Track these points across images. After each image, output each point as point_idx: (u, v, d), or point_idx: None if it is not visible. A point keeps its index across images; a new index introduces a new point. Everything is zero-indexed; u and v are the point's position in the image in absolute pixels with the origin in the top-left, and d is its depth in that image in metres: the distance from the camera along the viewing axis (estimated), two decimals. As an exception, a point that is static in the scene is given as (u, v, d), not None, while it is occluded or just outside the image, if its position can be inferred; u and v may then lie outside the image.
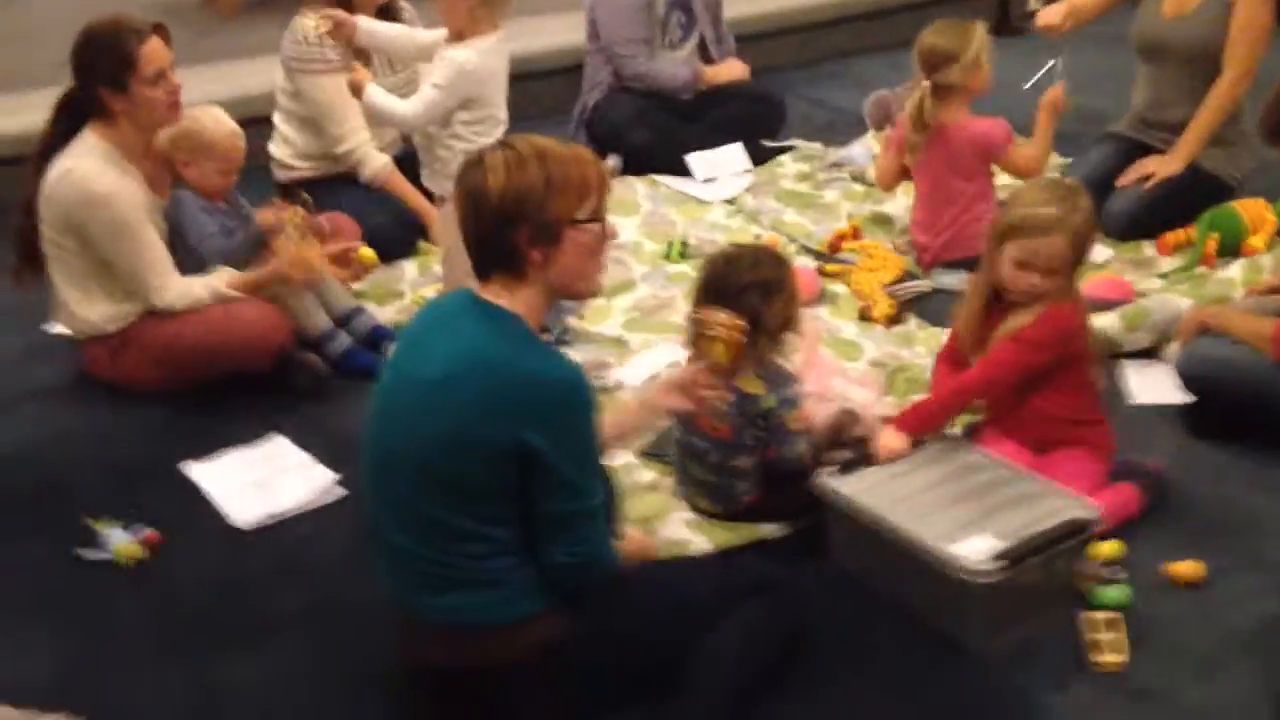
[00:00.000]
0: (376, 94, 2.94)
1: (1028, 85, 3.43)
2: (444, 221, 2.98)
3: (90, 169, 2.83)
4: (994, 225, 2.44)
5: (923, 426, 2.40)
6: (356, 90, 2.97)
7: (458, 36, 2.89)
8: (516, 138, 1.93)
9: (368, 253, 3.32)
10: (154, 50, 2.85)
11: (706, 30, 4.43)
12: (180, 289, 2.93)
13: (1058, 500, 2.21)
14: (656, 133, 4.19)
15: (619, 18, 4.24)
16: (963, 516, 2.18)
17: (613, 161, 4.23)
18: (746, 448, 2.40)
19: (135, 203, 2.89)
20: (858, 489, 2.28)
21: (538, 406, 1.82)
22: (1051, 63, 3.50)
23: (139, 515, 2.54)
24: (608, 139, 4.21)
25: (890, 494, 2.25)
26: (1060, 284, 2.37)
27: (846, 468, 2.35)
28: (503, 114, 2.97)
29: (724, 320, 2.25)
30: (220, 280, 2.96)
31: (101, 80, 2.84)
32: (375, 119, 3.09)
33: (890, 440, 2.37)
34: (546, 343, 1.94)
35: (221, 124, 3.07)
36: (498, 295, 1.90)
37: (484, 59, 2.85)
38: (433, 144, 2.96)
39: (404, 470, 1.88)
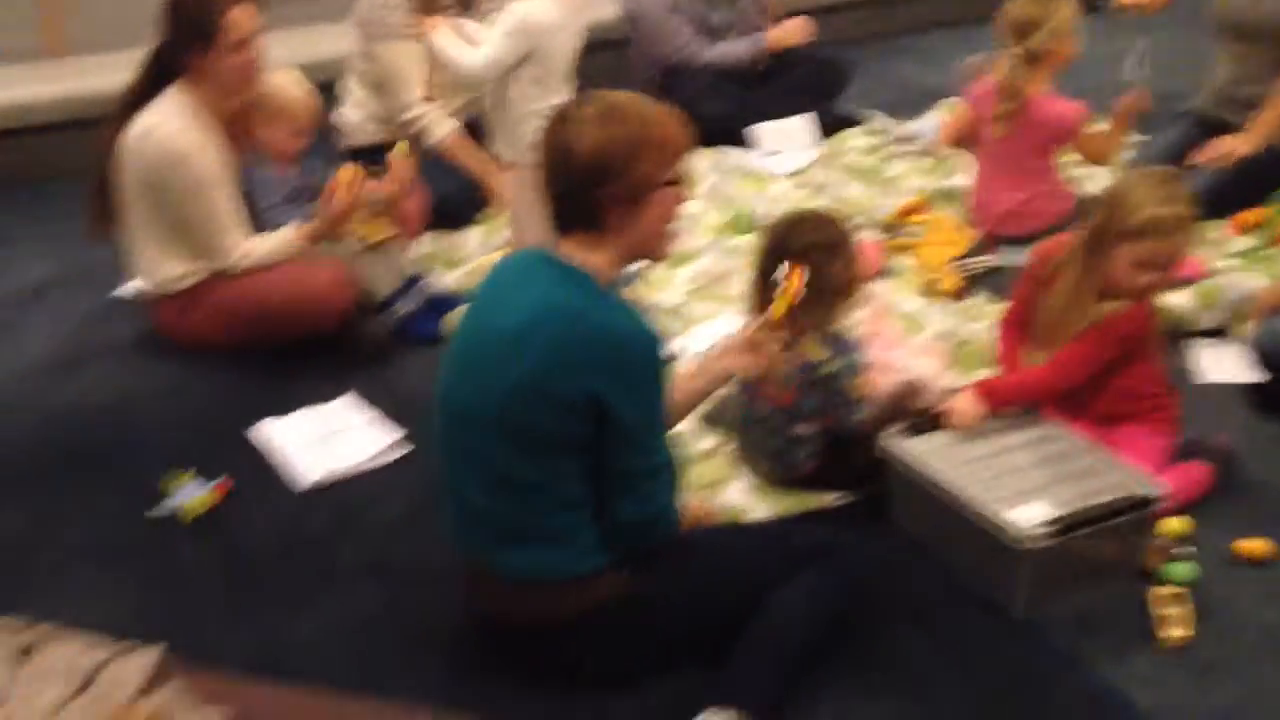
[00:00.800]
0: (445, 38, 2.95)
1: (1124, 76, 3.36)
2: (514, 184, 2.98)
3: (173, 127, 2.88)
4: (1102, 222, 2.37)
5: (999, 403, 2.39)
6: (430, 30, 2.99)
7: None
8: (604, 93, 1.92)
9: (401, 147, 3.22)
10: (240, 17, 2.88)
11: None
12: (247, 248, 2.97)
13: (1123, 475, 2.19)
14: (730, 102, 4.17)
15: (663, 39, 4.24)
16: (1023, 484, 2.18)
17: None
18: (807, 415, 2.40)
19: (214, 161, 2.94)
20: (921, 450, 2.28)
21: (609, 359, 1.83)
22: (1138, 49, 3.43)
23: (203, 468, 2.59)
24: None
25: (953, 458, 2.26)
26: (1168, 280, 2.36)
27: (915, 429, 2.35)
28: (572, 75, 2.95)
29: (787, 272, 2.24)
30: (287, 230, 2.99)
31: (187, 40, 2.88)
32: (441, 64, 3.07)
33: (966, 405, 2.35)
34: (618, 299, 1.94)
35: (298, 85, 3.10)
36: (573, 252, 1.91)
37: (547, 13, 2.85)
38: (500, 104, 2.95)
39: (478, 422, 1.90)
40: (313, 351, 3.01)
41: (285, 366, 3.00)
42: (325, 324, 3.00)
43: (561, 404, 1.83)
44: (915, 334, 2.99)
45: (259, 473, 2.63)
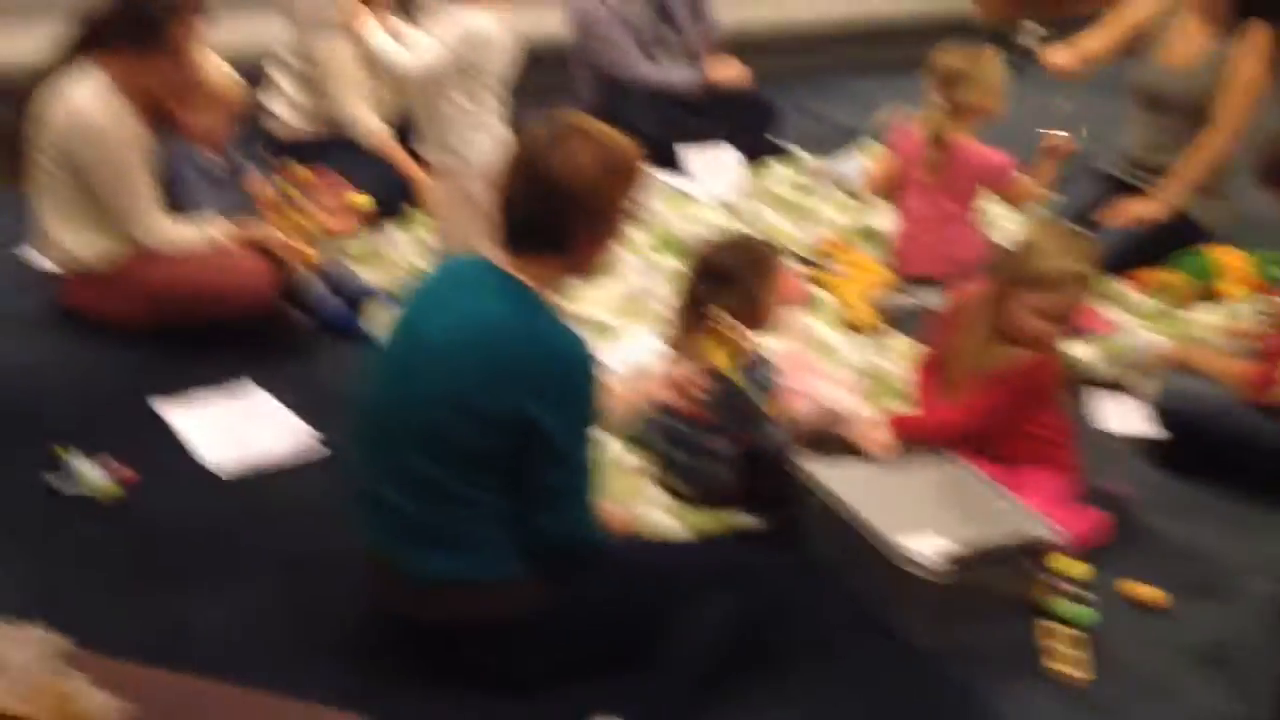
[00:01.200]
0: (380, 36, 2.93)
1: (1042, 129, 3.48)
2: (442, 193, 2.97)
3: (92, 103, 2.81)
4: (1008, 270, 2.47)
5: (910, 438, 2.47)
6: (359, 27, 2.98)
7: (471, 2, 2.88)
8: (576, 117, 1.92)
9: (361, 199, 3.29)
10: (190, 30, 2.87)
11: (685, 19, 4.47)
12: (169, 230, 2.90)
13: (1023, 518, 2.26)
14: (668, 121, 4.22)
15: (613, 48, 4.26)
16: (927, 517, 2.24)
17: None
18: (722, 430, 2.42)
19: (132, 139, 2.87)
20: (833, 476, 2.33)
21: (542, 375, 1.83)
22: (1061, 103, 3.56)
23: (110, 449, 2.51)
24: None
25: (863, 486, 2.31)
26: (1061, 332, 2.45)
27: (828, 451, 2.41)
28: (503, 90, 2.96)
29: (735, 325, 2.29)
30: (214, 229, 2.94)
31: (131, 35, 2.83)
32: (376, 62, 3.05)
33: (880, 435, 2.42)
34: (556, 314, 1.93)
35: (223, 72, 3.05)
36: (519, 267, 1.90)
37: (489, 27, 2.85)
38: (431, 110, 2.93)
39: (403, 427, 1.88)
40: (226, 335, 2.94)
41: (196, 349, 2.92)
42: (248, 311, 2.94)
43: (489, 420, 1.82)
44: (832, 366, 3.05)
45: (166, 456, 2.56)
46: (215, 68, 3.04)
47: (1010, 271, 2.46)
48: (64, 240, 2.94)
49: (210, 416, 2.69)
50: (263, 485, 2.52)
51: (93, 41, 2.86)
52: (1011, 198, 3.46)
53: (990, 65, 3.34)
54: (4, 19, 4.34)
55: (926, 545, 2.14)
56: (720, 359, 2.32)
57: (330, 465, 2.58)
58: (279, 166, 3.16)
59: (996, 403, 2.45)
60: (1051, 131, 3.42)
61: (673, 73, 4.36)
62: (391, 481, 1.91)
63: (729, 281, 2.44)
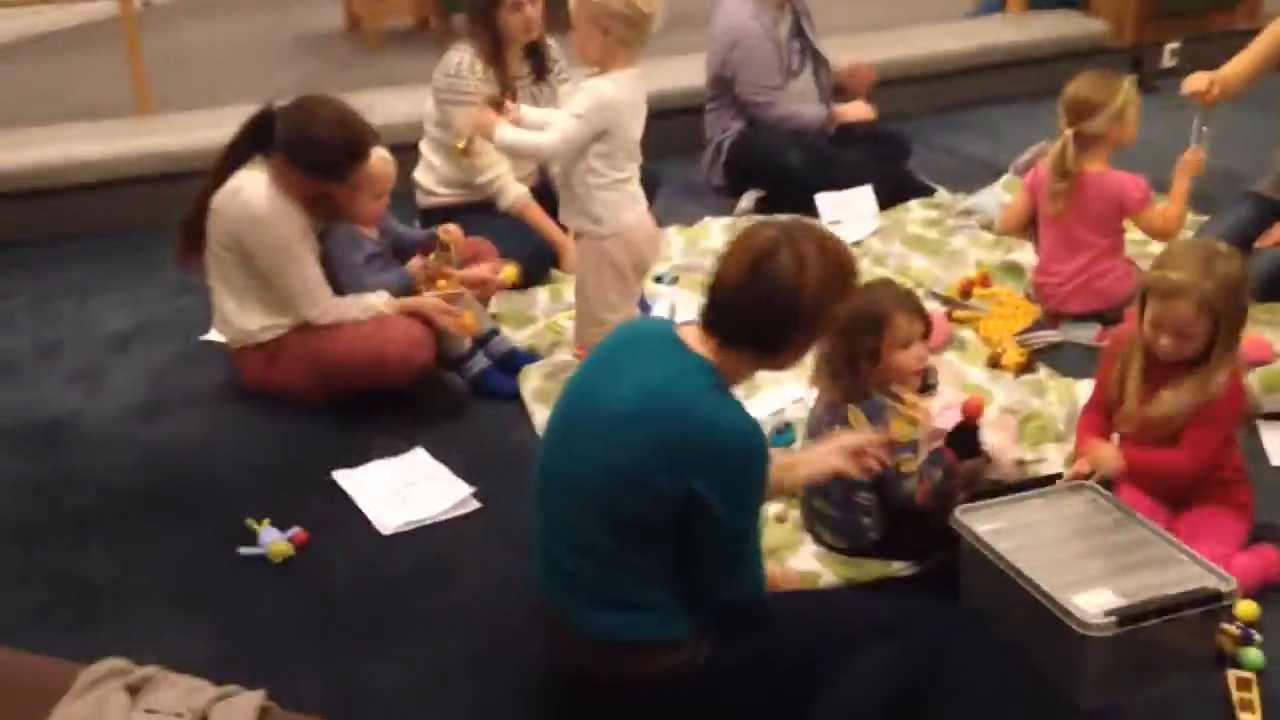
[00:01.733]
0: (508, 131, 2.93)
1: (1190, 148, 3.40)
2: (580, 254, 3.02)
3: (256, 192, 3.00)
4: (1139, 285, 2.45)
5: (1136, 470, 2.42)
6: (487, 132, 2.98)
7: (596, 69, 2.89)
8: (805, 227, 1.94)
9: (510, 271, 3.44)
10: (377, 171, 3.11)
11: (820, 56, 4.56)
12: (334, 308, 3.07)
13: (1193, 568, 2.18)
14: (809, 156, 4.30)
15: (758, 65, 4.36)
16: (1093, 570, 2.18)
17: (746, 201, 4.33)
18: (867, 483, 2.41)
19: (294, 226, 3.05)
20: (992, 528, 2.29)
21: (712, 459, 1.84)
22: (1197, 125, 3.48)
23: (290, 517, 2.66)
24: (754, 170, 4.33)
25: (1024, 538, 2.27)
26: (1197, 348, 2.35)
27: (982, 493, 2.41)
28: (637, 151, 2.97)
29: (920, 402, 2.31)
30: (377, 299, 3.10)
31: (301, 164, 3.01)
32: (513, 154, 3.09)
33: (1109, 455, 2.40)
34: (733, 396, 1.94)
35: (379, 155, 3.16)
36: (711, 349, 1.92)
37: (622, 91, 2.85)
38: (568, 178, 2.94)
39: (575, 491, 1.94)
40: (389, 404, 3.10)
41: (364, 418, 3.08)
42: (403, 379, 3.08)
43: (659, 495, 1.85)
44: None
45: (339, 520, 2.70)
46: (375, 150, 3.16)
47: (1143, 281, 2.43)
48: (234, 317, 3.13)
49: (377, 480, 2.83)
50: (431, 544, 2.63)
51: (261, 137, 3.05)
52: (1151, 227, 3.37)
53: (1121, 92, 3.29)
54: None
55: (1092, 601, 2.09)
56: (901, 430, 2.34)
57: (487, 519, 2.69)
58: (431, 238, 3.30)
59: (1219, 435, 2.38)
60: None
61: (803, 111, 4.43)
62: (564, 543, 1.98)
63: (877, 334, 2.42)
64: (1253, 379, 2.94)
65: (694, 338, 1.95)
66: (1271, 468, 2.77)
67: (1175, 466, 2.41)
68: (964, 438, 2.56)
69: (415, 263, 3.24)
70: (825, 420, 2.45)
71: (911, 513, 2.44)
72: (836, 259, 1.91)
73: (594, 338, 2.87)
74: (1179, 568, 2.19)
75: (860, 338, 2.39)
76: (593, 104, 2.82)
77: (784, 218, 2.01)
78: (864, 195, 4.26)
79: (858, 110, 4.54)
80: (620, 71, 2.84)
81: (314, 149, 2.99)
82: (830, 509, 2.48)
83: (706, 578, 1.94)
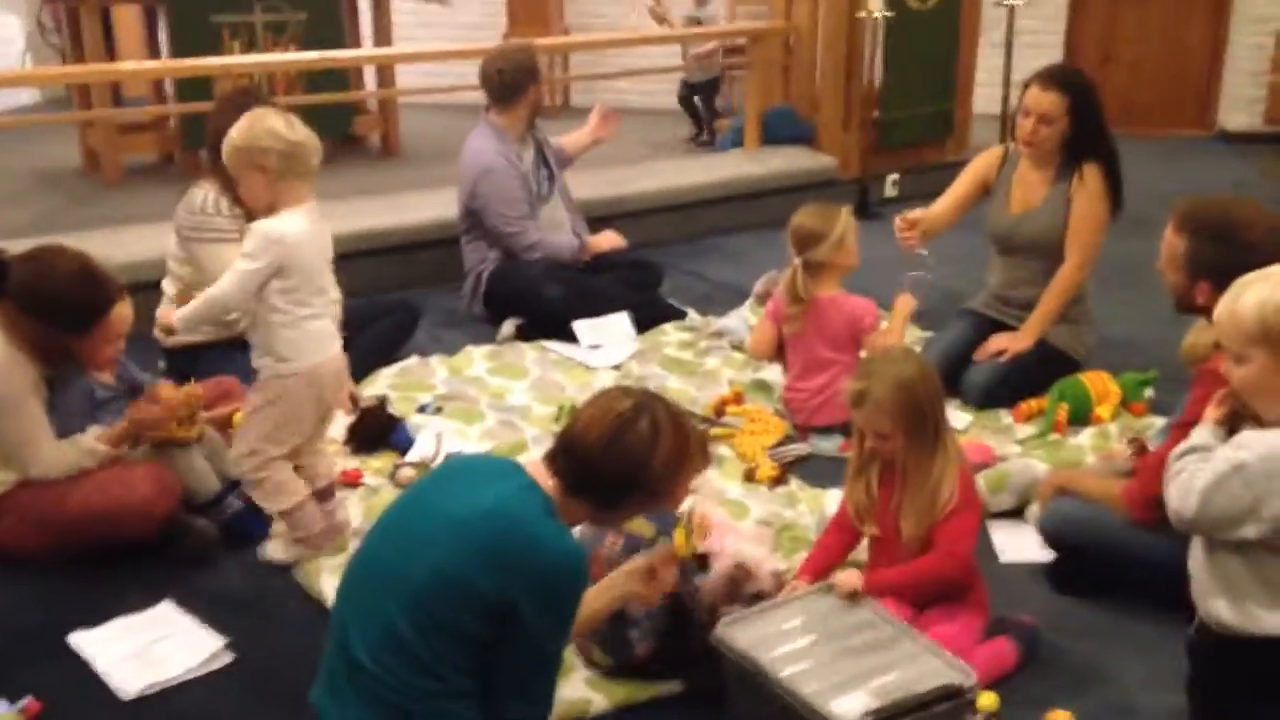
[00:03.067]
0: (184, 310, 2.83)
1: (902, 286, 3.69)
2: (260, 391, 2.84)
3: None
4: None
5: (879, 590, 2.48)
6: (167, 327, 2.93)
7: (268, 212, 2.77)
8: (663, 400, 2.10)
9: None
10: (124, 313, 3.00)
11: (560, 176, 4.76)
12: (53, 458, 2.91)
13: (936, 663, 2.29)
14: (567, 287, 4.40)
15: (506, 197, 4.49)
16: (845, 672, 2.27)
17: (507, 328, 4.38)
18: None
19: (22, 378, 2.89)
20: (750, 639, 2.34)
21: (536, 575, 1.94)
22: (923, 253, 3.81)
23: (22, 686, 2.45)
24: (513, 301, 4.40)
25: (779, 647, 2.33)
26: (898, 449, 2.52)
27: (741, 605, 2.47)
28: (328, 284, 2.87)
29: (694, 514, 2.37)
30: (89, 437, 2.94)
31: (63, 323, 2.90)
32: (203, 320, 2.90)
33: (851, 579, 2.46)
34: (562, 524, 2.04)
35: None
36: (554, 489, 2.04)
37: (291, 226, 2.74)
38: (254, 320, 2.81)
39: (393, 587, 1.96)
40: (132, 554, 2.92)
41: (103, 572, 2.90)
42: (147, 527, 2.92)
43: (480, 601, 1.91)
44: (740, 519, 3.13)
45: (76, 686, 2.51)
46: None
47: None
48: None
49: (118, 639, 2.66)
50: (178, 704, 2.48)
51: None
52: (874, 349, 3.55)
53: (840, 222, 3.54)
54: None
55: (848, 706, 2.16)
56: (682, 546, 2.38)
57: (243, 671, 2.56)
58: (164, 380, 3.19)
59: (960, 536, 2.52)
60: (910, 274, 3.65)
61: (559, 242, 4.58)
62: (367, 642, 1.96)
63: None
64: (979, 480, 3.16)
65: (537, 471, 2.06)
66: (1001, 564, 2.98)
67: (936, 570, 2.52)
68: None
69: (135, 410, 3.04)
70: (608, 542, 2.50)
71: (680, 626, 2.48)
72: (688, 434, 2.09)
73: (251, 466, 2.85)
74: (925, 662, 2.29)
75: None
76: (260, 243, 2.70)
77: (638, 389, 2.18)
78: (620, 321, 4.39)
79: (609, 239, 4.73)
80: (290, 209, 2.76)
81: (53, 303, 2.87)
82: (603, 625, 2.49)
83: (501, 690, 1.97)
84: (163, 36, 6.47)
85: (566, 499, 2.05)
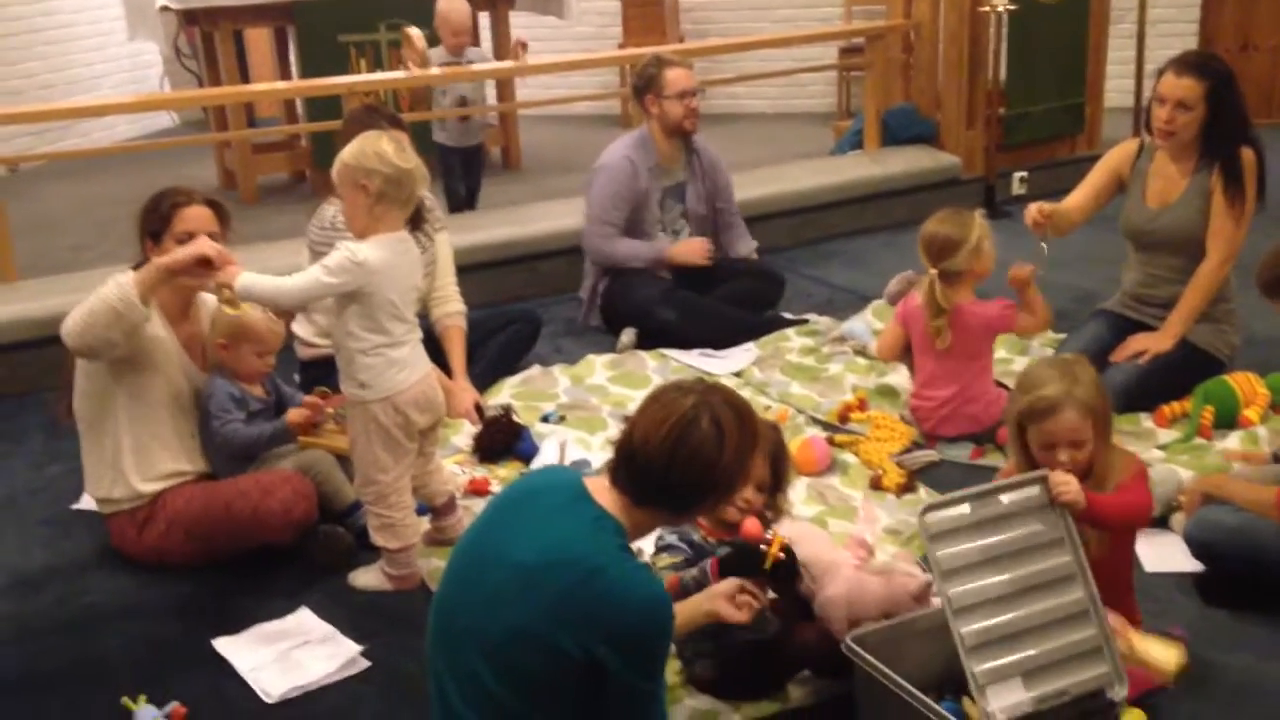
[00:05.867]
0: (247, 276, 2.75)
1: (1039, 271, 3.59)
2: (350, 417, 2.87)
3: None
4: (1009, 415, 2.51)
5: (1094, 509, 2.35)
6: (227, 289, 2.76)
7: (362, 234, 2.77)
8: (722, 393, 2.00)
9: None
10: (193, 214, 3.02)
11: (702, 221, 4.66)
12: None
13: (1102, 665, 2.24)
14: (681, 307, 4.37)
15: (603, 197, 4.49)
16: (1014, 650, 2.20)
17: (626, 337, 4.39)
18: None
19: (166, 352, 3.02)
20: (948, 561, 2.22)
21: (616, 626, 1.85)
22: (1040, 248, 3.69)
23: (169, 691, 2.54)
24: (629, 317, 4.39)
25: (969, 582, 2.23)
26: (1090, 454, 2.40)
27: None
28: (406, 312, 2.82)
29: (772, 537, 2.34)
30: (122, 275, 2.87)
31: (143, 233, 3.04)
32: (259, 298, 2.85)
33: (1075, 489, 2.31)
34: (637, 559, 1.98)
35: (257, 309, 3.10)
36: (619, 506, 1.95)
37: (378, 253, 2.71)
38: (336, 344, 2.84)
39: (474, 643, 1.91)
40: (272, 562, 3.01)
41: (244, 579, 2.99)
42: (284, 535, 3.00)
43: (560, 653, 1.84)
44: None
45: (221, 691, 2.59)
46: (261, 309, 3.09)
47: (1009, 417, 2.50)
48: (104, 482, 3.03)
49: (259, 645, 2.73)
50: (316, 709, 2.53)
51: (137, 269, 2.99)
52: (1026, 332, 3.59)
53: (975, 227, 3.46)
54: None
55: (1003, 700, 2.13)
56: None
57: (379, 678, 2.61)
58: (312, 391, 3.27)
59: (1142, 484, 2.43)
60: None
61: (636, 251, 4.50)
62: (464, 698, 1.92)
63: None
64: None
65: (600, 490, 1.96)
66: (1146, 574, 2.86)
67: (1135, 505, 2.40)
68: (781, 568, 2.39)
69: (293, 413, 3.16)
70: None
71: (751, 649, 2.40)
72: (750, 422, 2.00)
73: (370, 498, 2.86)
74: (1092, 660, 2.23)
75: None
76: (342, 262, 2.69)
77: (691, 381, 2.06)
78: (743, 354, 4.32)
79: (694, 250, 4.51)
80: (380, 236, 2.75)
81: (140, 211, 3.08)
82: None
83: None
84: (293, 57, 6.68)
85: (636, 512, 1.95)
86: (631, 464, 1.94)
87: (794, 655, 2.43)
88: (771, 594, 2.37)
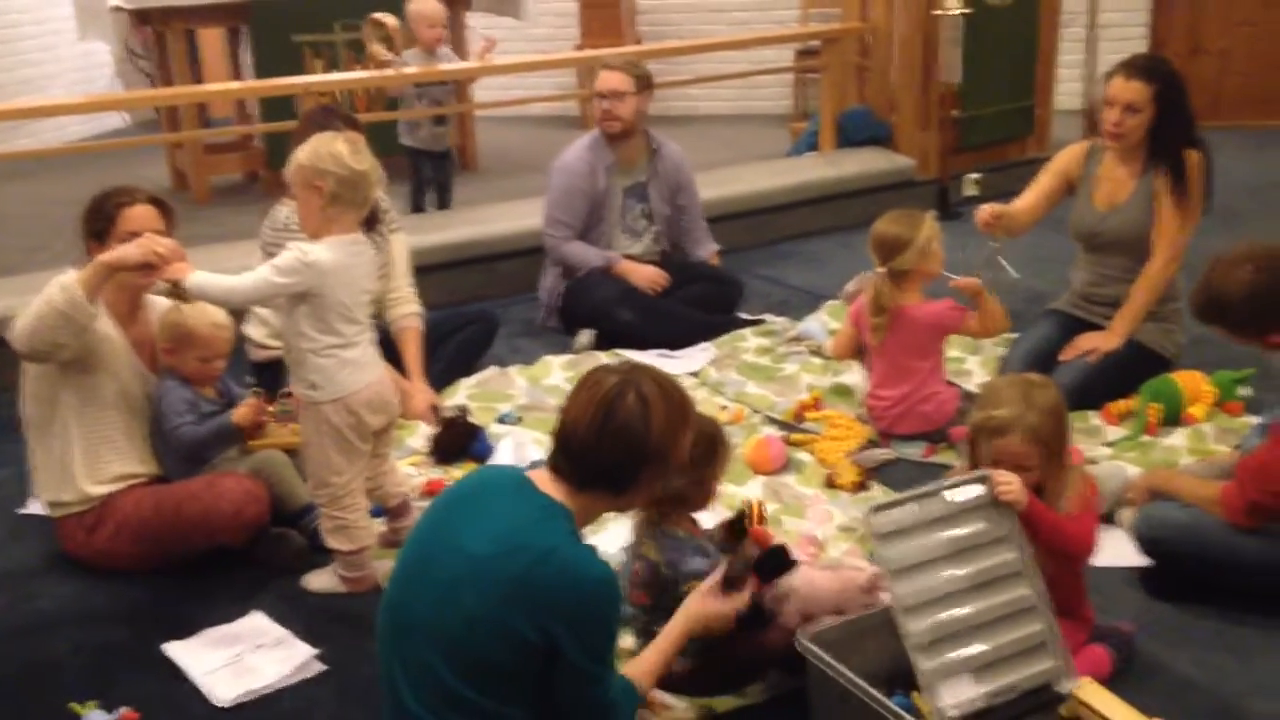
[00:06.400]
0: (200, 276, 2.73)
1: (976, 273, 3.61)
2: (302, 418, 2.85)
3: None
4: (968, 423, 2.53)
5: (1035, 518, 2.36)
6: (178, 288, 2.74)
7: (315, 235, 2.75)
8: (645, 370, 2.04)
9: None
10: (137, 214, 2.99)
11: (666, 221, 4.66)
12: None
13: (1048, 659, 2.27)
14: (640, 309, 4.38)
15: (558, 197, 4.51)
16: (964, 643, 2.22)
17: (584, 338, 4.40)
18: (667, 614, 2.39)
19: (115, 351, 2.99)
20: (898, 558, 2.24)
21: (570, 603, 1.89)
22: (989, 251, 3.73)
23: (120, 696, 2.52)
24: (588, 318, 4.39)
25: (920, 578, 2.25)
26: (1035, 478, 2.40)
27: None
28: (358, 313, 2.80)
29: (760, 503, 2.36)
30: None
31: (87, 234, 3.01)
32: (208, 296, 2.82)
33: (1018, 489, 2.34)
34: (585, 542, 1.99)
35: (202, 314, 3.07)
36: (564, 494, 1.98)
37: (329, 254, 2.69)
38: (286, 343, 2.83)
39: (430, 639, 1.91)
40: (224, 565, 2.99)
41: (196, 583, 2.96)
42: (235, 537, 2.98)
43: (518, 639, 1.87)
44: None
45: (172, 696, 2.56)
46: (194, 308, 3.06)
47: (971, 423, 2.52)
48: (52, 484, 3.00)
49: (211, 649, 2.71)
50: (268, 712, 2.52)
51: None
52: (975, 334, 3.60)
53: (924, 227, 3.48)
54: None
55: (952, 696, 2.16)
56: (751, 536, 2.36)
57: (335, 682, 2.59)
58: (259, 393, 3.24)
59: (1087, 531, 2.44)
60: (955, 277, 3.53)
61: (585, 255, 4.50)
62: (418, 695, 1.93)
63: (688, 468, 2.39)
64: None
65: (544, 481, 2.00)
66: (1094, 569, 2.89)
67: (1074, 531, 2.41)
68: (770, 560, 2.46)
69: (238, 411, 3.11)
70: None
71: (720, 642, 2.41)
72: (677, 397, 2.01)
73: (323, 500, 2.85)
74: (1038, 656, 2.26)
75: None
76: (292, 263, 2.67)
77: (620, 360, 2.09)
78: (700, 353, 4.33)
79: (646, 276, 4.50)
80: (335, 237, 2.73)
81: (83, 212, 3.05)
82: (636, 640, 2.47)
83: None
84: (246, 58, 6.62)
85: (579, 498, 1.99)
86: (568, 450, 1.99)
87: (762, 656, 2.45)
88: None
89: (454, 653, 1.89)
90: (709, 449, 2.45)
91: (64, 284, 2.80)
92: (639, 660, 2.23)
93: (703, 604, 2.25)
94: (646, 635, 2.45)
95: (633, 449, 1.96)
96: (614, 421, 1.95)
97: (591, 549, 1.98)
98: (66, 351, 2.86)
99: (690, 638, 2.26)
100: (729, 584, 2.28)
